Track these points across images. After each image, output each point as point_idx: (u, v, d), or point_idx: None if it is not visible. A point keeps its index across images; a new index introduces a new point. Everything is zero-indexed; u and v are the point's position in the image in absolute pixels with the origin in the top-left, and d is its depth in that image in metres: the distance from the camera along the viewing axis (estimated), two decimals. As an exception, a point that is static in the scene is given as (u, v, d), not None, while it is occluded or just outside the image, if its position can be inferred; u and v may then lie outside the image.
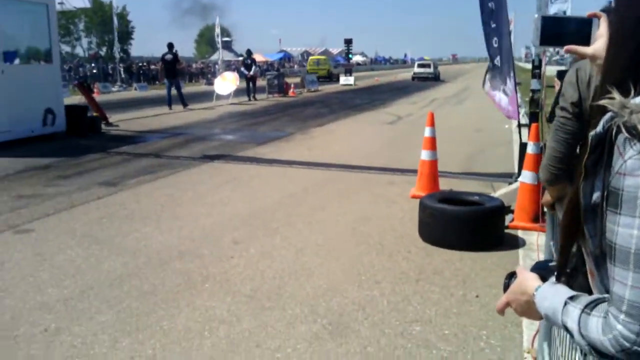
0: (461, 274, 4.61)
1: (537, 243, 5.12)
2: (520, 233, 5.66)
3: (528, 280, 1.21)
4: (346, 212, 6.48)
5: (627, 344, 0.92)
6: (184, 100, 20.06)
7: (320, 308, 3.97)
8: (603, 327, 0.95)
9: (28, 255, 5.06)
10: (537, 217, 5.63)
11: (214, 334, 3.60)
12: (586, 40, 1.32)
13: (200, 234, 5.67)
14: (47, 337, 3.56)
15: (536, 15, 1.38)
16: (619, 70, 1.01)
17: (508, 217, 5.80)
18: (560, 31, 1.39)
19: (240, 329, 3.66)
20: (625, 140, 0.93)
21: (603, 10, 1.30)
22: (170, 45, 20.28)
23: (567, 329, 1.02)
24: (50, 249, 5.21)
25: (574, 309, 1.01)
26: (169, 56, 19.92)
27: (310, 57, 55.37)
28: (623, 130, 0.93)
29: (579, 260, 1.17)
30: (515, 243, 5.40)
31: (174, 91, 19.80)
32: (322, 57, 55.54)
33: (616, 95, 0.97)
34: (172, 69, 20.01)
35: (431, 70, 46.39)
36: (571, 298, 1.04)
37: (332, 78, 44.94)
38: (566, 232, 1.13)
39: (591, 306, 1.00)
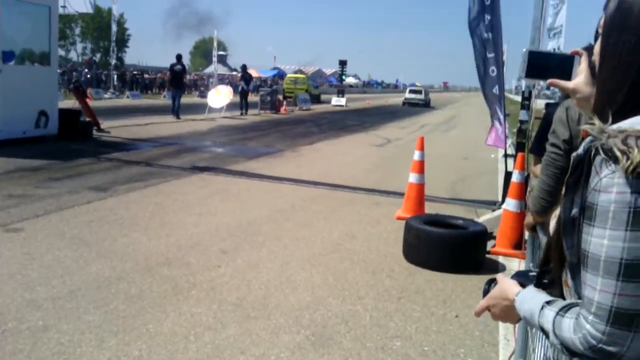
0: (442, 295, 4.74)
1: (518, 269, 5.26)
2: (501, 259, 5.81)
3: (509, 286, 1.33)
4: (332, 230, 6.60)
5: (593, 342, 1.04)
6: (179, 111, 20.43)
7: (304, 319, 4.07)
8: (574, 327, 1.08)
9: (17, 253, 5.11)
10: (518, 244, 5.78)
11: (200, 338, 3.68)
12: (568, 76, 1.46)
13: (187, 243, 5.75)
14: (34, 333, 3.62)
15: (524, 49, 1.51)
16: (600, 102, 1.16)
17: (490, 243, 5.95)
18: (545, 65, 1.52)
19: (226, 335, 3.75)
20: (602, 160, 1.06)
21: (585, 49, 1.45)
22: (179, 57, 21.08)
23: (543, 330, 1.15)
24: (39, 249, 5.26)
25: (550, 312, 1.14)
26: (178, 67, 20.71)
27: (288, 75, 49.96)
28: (601, 152, 1.07)
29: (556, 272, 1.29)
30: (495, 268, 5.55)
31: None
32: (301, 75, 49.42)
33: (596, 121, 1.11)
34: (179, 79, 20.82)
35: (422, 96, 47.13)
36: (548, 302, 1.16)
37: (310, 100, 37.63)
38: (554, 243, 1.26)
39: (565, 309, 1.12)
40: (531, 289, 1.27)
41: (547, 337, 1.14)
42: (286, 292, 4.59)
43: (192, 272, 4.89)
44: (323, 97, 47.47)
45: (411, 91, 50.11)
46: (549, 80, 1.47)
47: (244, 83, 25.31)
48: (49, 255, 5.11)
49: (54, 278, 4.56)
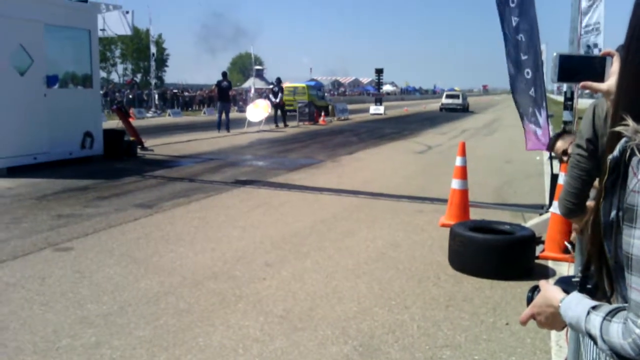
0: (491, 302, 4.65)
1: (568, 273, 5.12)
2: (550, 263, 5.67)
3: (553, 292, 1.30)
4: (375, 238, 6.56)
5: None
6: (229, 125, 21.27)
7: (351, 330, 4.05)
8: (623, 332, 1.04)
9: (68, 272, 5.24)
10: (567, 248, 5.63)
11: (248, 351, 3.70)
12: (601, 77, 1.43)
13: (232, 256, 5.80)
14: (87, 350, 3.70)
15: (555, 54, 1.50)
16: (631, 101, 1.13)
17: (539, 248, 5.82)
18: (576, 68, 1.49)
19: (273, 347, 3.76)
20: (638, 161, 1.03)
21: (619, 49, 1.42)
22: (225, 74, 22.10)
23: (590, 336, 1.12)
24: (90, 267, 5.39)
25: (596, 317, 1.11)
26: (225, 83, 21.68)
27: (285, 86, 35.00)
28: (637, 152, 1.04)
29: (599, 277, 1.26)
30: (545, 273, 5.42)
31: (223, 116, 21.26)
32: (301, 85, 37.88)
33: (630, 122, 1.08)
34: (226, 95, 21.78)
35: (460, 101, 44.97)
36: (594, 307, 1.14)
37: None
38: (590, 248, 1.23)
39: (612, 314, 1.09)
40: (576, 294, 1.25)
41: (595, 342, 1.11)
42: (332, 302, 4.57)
43: (238, 285, 4.93)
44: (358, 107, 47.22)
45: (448, 96, 47.41)
46: (582, 83, 1.46)
47: (272, 96, 25.54)
48: (99, 272, 5.23)
49: (104, 295, 4.66)
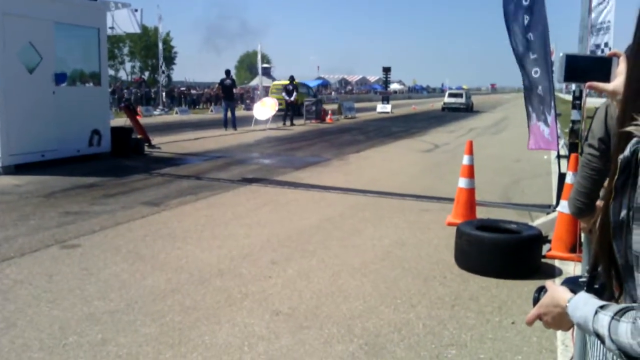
0: (497, 301, 4.64)
1: (574, 273, 5.10)
2: (557, 263, 5.64)
3: (560, 293, 1.30)
4: (382, 237, 6.55)
5: None
6: (235, 123, 21.31)
7: (356, 328, 4.04)
8: (632, 331, 1.04)
9: (75, 269, 5.27)
10: (574, 248, 5.61)
11: (253, 349, 3.70)
12: (607, 78, 1.43)
13: (239, 254, 5.81)
14: (94, 347, 3.71)
15: (561, 54, 1.51)
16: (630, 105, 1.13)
17: (545, 247, 5.80)
18: (583, 69, 1.50)
19: (279, 345, 3.76)
20: None
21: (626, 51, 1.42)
22: (228, 72, 22.03)
23: (598, 336, 1.11)
24: (97, 264, 5.41)
25: (604, 317, 1.10)
26: (228, 81, 21.58)
27: (273, 83, 38.27)
28: None
29: (606, 277, 1.25)
30: (551, 272, 5.40)
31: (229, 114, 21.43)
32: (288, 82, 31.66)
33: None
34: (230, 93, 21.66)
35: (463, 100, 42.11)
36: (601, 307, 1.13)
37: (298, 111, 27.97)
38: (598, 248, 1.23)
39: (620, 313, 1.08)
40: (583, 294, 1.24)
41: (603, 342, 1.10)
42: (338, 301, 4.57)
43: (244, 283, 4.94)
44: (365, 105, 47.09)
45: (450, 95, 44.55)
46: (588, 84, 1.46)
47: (285, 94, 25.49)
48: (106, 270, 5.25)
49: (111, 292, 4.68)
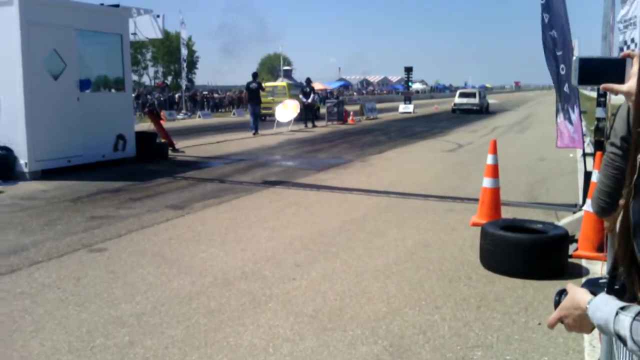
0: (523, 302, 4.58)
1: (601, 272, 5.02)
2: (584, 262, 5.56)
3: (580, 295, 1.29)
4: (405, 238, 6.53)
5: None
6: (257, 126, 21.20)
7: (380, 330, 4.03)
8: None
9: (102, 272, 5.34)
10: (601, 247, 5.52)
11: (278, 351, 3.72)
12: (621, 79, 1.42)
13: (262, 256, 5.84)
14: (121, 349, 3.76)
15: (574, 57, 1.51)
16: None
17: (572, 246, 5.72)
18: (597, 71, 1.49)
19: (303, 347, 3.77)
20: None
21: None
22: (255, 75, 21.94)
23: (619, 337, 1.10)
24: (123, 267, 5.48)
25: (626, 318, 1.09)
26: (254, 85, 21.51)
27: (265, 85, 30.73)
28: None
29: (627, 277, 1.24)
30: (578, 272, 5.32)
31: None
32: (281, 83, 33.91)
33: None
34: (256, 96, 21.43)
35: (476, 100, 36.90)
36: (622, 308, 1.11)
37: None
38: (618, 248, 1.21)
39: None
40: (603, 296, 1.23)
41: (625, 344, 1.09)
42: (362, 302, 4.57)
43: (268, 285, 4.96)
44: (387, 105, 46.95)
45: (462, 94, 39.09)
46: (602, 86, 1.47)
47: (302, 96, 25.52)
48: (132, 273, 5.31)
49: (137, 295, 4.74)
